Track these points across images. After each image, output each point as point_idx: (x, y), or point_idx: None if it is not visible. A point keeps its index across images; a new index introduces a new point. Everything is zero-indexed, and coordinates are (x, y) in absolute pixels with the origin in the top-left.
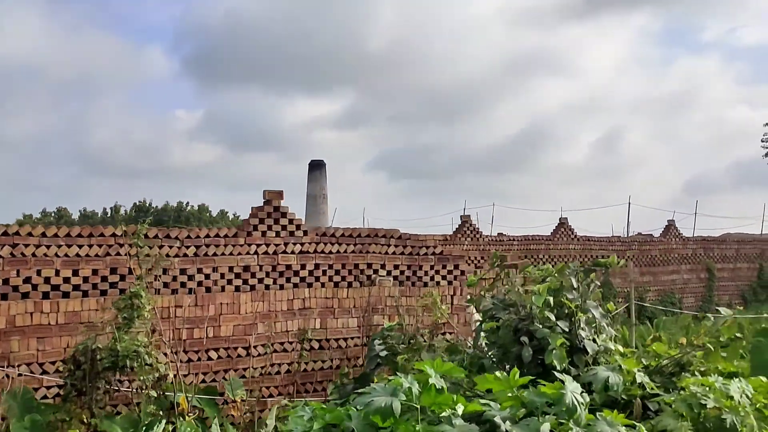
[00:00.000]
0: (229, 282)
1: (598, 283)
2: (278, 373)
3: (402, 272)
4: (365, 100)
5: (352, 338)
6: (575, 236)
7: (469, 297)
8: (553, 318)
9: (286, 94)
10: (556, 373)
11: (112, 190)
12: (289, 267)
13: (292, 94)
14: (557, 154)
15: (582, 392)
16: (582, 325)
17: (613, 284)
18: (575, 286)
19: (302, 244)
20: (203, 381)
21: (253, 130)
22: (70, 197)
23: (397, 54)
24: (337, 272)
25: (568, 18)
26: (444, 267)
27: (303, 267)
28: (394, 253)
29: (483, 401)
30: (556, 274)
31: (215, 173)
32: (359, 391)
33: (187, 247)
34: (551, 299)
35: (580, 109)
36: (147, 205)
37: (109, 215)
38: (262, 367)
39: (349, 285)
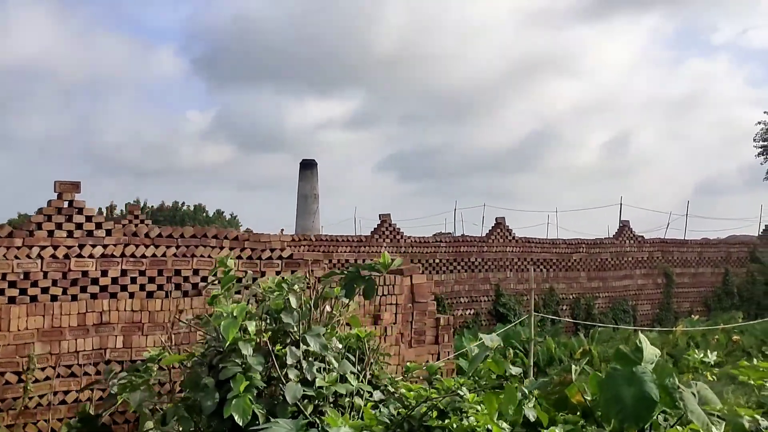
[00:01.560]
0: (1, 292)
1: (347, 301)
2: (63, 402)
3: (239, 280)
4: (374, 100)
5: None
6: (513, 237)
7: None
8: (249, 351)
9: (295, 95)
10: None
11: (122, 189)
12: (85, 274)
13: (301, 94)
14: (567, 154)
15: None
16: (292, 361)
17: (556, 290)
18: (295, 306)
19: (104, 247)
20: None
21: (263, 131)
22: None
23: (406, 54)
24: (152, 280)
25: (579, 19)
26: (293, 273)
27: (104, 274)
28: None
29: None
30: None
31: (225, 173)
32: None
33: None
34: (252, 325)
35: (590, 110)
36: (143, 204)
37: (104, 215)
38: (41, 396)
39: (167, 295)
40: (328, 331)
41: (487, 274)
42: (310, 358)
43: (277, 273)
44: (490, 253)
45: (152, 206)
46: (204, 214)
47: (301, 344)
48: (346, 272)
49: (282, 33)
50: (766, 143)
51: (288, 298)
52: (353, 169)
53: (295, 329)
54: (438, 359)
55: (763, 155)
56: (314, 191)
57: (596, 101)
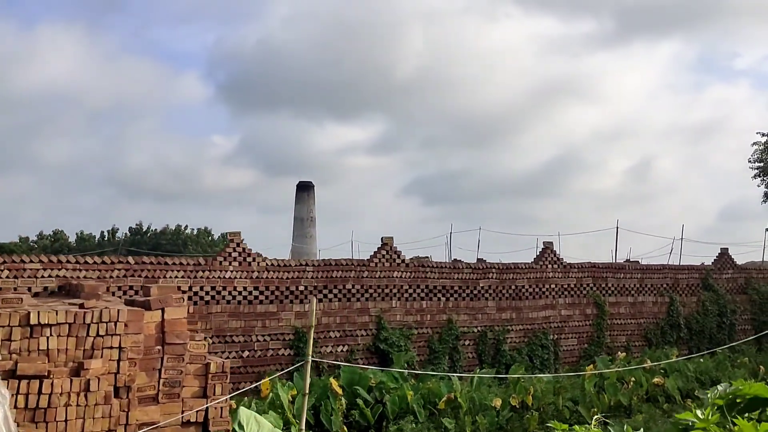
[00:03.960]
0: None
1: None
2: None
3: None
4: (395, 126)
5: None
6: (402, 260)
7: None
8: None
9: (316, 120)
10: None
11: (145, 213)
12: None
13: (323, 120)
14: (587, 180)
15: None
16: None
17: (455, 322)
18: None
19: None
20: None
21: (286, 155)
22: (103, 219)
23: (426, 80)
24: None
25: (598, 46)
26: None
27: None
28: None
29: None
30: None
31: (248, 197)
32: None
33: None
34: None
35: (611, 136)
36: (146, 228)
37: (105, 238)
38: None
39: None
40: None
41: (367, 303)
42: None
43: None
44: (373, 278)
45: (155, 229)
46: (209, 238)
47: None
48: None
49: (304, 59)
50: (761, 164)
51: None
52: (376, 193)
53: None
54: (205, 418)
55: (759, 177)
56: (311, 214)
57: (617, 127)
